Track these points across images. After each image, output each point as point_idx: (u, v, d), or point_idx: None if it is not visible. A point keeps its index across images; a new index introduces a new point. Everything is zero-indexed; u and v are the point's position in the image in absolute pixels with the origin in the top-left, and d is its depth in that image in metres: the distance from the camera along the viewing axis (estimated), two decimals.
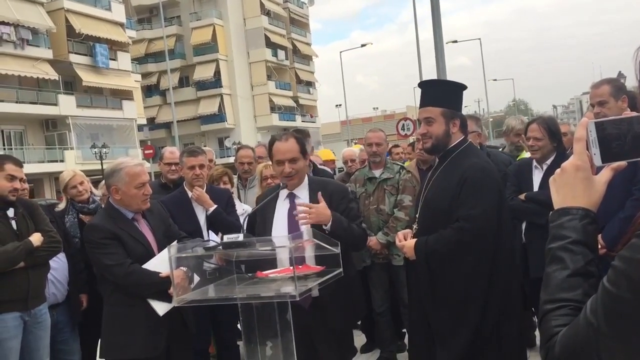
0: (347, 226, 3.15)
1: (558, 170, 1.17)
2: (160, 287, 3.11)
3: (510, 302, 3.08)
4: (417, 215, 3.30)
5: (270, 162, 3.64)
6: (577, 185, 1.12)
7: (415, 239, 3.16)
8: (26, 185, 4.13)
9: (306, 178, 3.35)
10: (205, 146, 15.09)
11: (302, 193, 3.27)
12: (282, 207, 3.29)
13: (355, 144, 13.99)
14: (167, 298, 3.08)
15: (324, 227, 3.05)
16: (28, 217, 3.68)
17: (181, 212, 4.12)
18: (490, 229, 2.99)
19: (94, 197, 4.53)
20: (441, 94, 3.19)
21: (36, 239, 3.58)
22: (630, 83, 4.34)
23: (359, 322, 5.40)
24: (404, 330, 5.25)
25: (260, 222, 3.38)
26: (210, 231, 3.98)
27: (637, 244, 0.90)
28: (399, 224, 4.61)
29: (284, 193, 3.31)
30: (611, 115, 3.50)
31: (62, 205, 4.49)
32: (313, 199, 3.21)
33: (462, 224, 2.99)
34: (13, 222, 3.62)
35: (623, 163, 1.09)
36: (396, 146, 8.31)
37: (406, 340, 5.17)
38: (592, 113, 3.70)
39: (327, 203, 3.15)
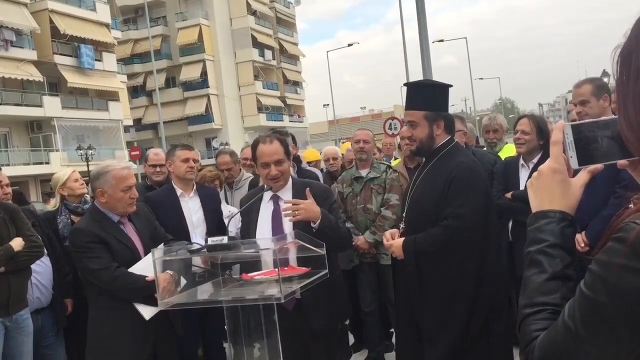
0: (335, 224, 3.14)
1: (535, 173, 1.17)
2: (147, 291, 3.08)
3: (498, 300, 3.09)
4: (404, 215, 3.30)
5: None
6: (554, 188, 1.12)
7: (402, 238, 3.15)
8: (9, 190, 4.09)
9: (290, 180, 3.34)
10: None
11: (286, 195, 3.25)
12: (265, 209, 3.27)
13: (343, 143, 13.98)
14: (153, 302, 3.04)
15: (312, 224, 3.03)
16: (9, 222, 3.62)
17: (167, 209, 4.04)
18: (478, 227, 3.00)
19: (86, 197, 4.49)
20: (424, 96, 3.20)
21: (17, 243, 3.53)
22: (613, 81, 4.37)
23: (347, 322, 5.39)
24: (392, 330, 5.26)
25: (244, 224, 3.37)
26: (195, 234, 3.94)
27: (614, 247, 0.90)
28: (386, 223, 4.61)
29: (267, 195, 3.29)
30: (593, 114, 3.51)
31: (50, 207, 4.42)
32: None
33: (450, 222, 3.00)
34: None
35: (599, 166, 1.08)
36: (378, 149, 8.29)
37: (394, 340, 5.18)
38: (575, 112, 3.74)
39: None
